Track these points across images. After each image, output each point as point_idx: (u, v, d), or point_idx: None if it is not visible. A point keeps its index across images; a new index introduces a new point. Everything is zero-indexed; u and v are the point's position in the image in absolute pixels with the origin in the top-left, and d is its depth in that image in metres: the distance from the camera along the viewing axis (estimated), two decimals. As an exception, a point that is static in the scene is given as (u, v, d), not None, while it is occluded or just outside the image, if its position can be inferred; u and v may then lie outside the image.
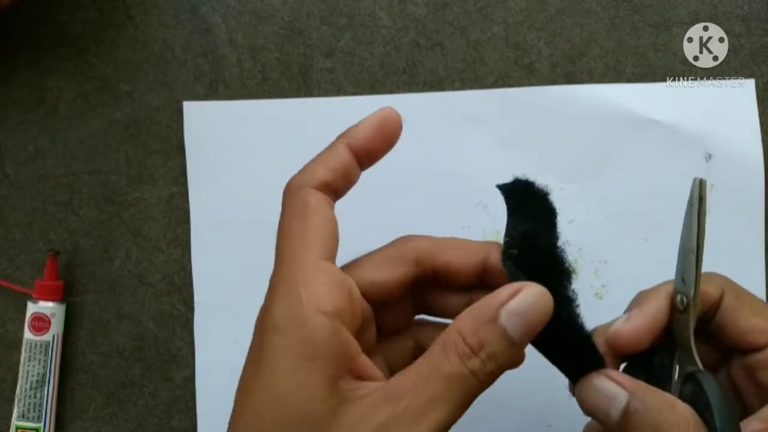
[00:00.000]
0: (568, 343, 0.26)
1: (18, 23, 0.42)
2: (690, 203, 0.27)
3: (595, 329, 0.28)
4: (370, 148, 0.27)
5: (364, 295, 0.27)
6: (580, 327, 0.26)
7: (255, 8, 0.41)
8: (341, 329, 0.24)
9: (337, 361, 0.24)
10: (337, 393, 0.24)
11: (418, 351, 0.30)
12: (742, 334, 0.28)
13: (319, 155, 0.27)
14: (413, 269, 0.28)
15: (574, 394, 0.27)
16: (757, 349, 0.28)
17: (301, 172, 0.27)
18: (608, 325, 0.28)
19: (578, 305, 0.26)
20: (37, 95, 0.41)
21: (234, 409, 0.25)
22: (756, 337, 0.27)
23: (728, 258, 0.39)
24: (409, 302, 0.30)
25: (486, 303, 0.24)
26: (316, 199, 0.26)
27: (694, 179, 0.26)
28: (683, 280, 0.27)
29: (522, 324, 0.24)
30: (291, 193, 0.26)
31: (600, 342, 0.27)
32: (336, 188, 0.27)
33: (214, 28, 0.41)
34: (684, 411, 0.24)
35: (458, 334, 0.24)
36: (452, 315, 0.28)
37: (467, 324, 0.24)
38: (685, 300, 0.27)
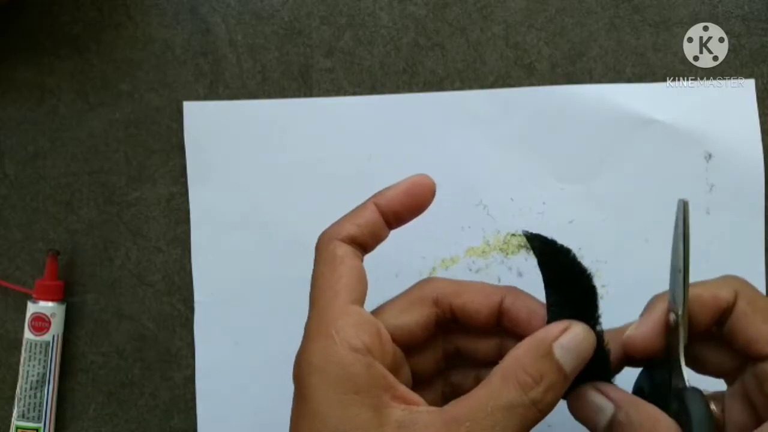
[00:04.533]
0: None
1: (18, 23, 0.42)
2: (676, 225, 0.27)
3: (608, 332, 0.28)
4: (396, 210, 0.29)
5: (393, 338, 0.29)
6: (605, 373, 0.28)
7: (255, 8, 0.41)
8: (374, 363, 0.26)
9: (378, 392, 0.25)
10: (388, 420, 0.25)
11: (451, 396, 0.31)
12: (751, 342, 0.27)
13: (350, 212, 0.29)
14: (433, 310, 0.29)
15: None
16: (765, 358, 0.26)
17: (332, 226, 0.29)
18: (620, 330, 0.28)
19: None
20: (37, 95, 0.41)
21: None
22: (763, 346, 0.26)
23: (728, 258, 0.39)
24: (439, 348, 0.31)
25: (540, 338, 0.26)
26: (343, 250, 0.28)
27: (679, 201, 0.27)
28: (674, 297, 0.27)
29: (574, 358, 0.26)
30: (321, 245, 0.28)
31: (614, 346, 0.28)
32: (362, 242, 0.28)
33: (214, 28, 0.41)
34: (668, 426, 0.25)
35: (518, 365, 0.25)
36: (482, 359, 0.30)
37: (526, 356, 0.25)
38: (675, 317, 0.27)
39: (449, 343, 0.31)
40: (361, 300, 0.27)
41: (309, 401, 0.25)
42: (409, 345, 0.29)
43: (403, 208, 0.29)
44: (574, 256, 0.27)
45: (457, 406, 0.25)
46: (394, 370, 0.27)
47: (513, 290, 0.29)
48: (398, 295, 0.30)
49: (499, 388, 0.25)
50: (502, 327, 0.29)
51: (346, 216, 0.29)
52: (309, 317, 0.27)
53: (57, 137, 0.41)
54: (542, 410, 0.25)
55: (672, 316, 0.27)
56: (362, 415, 0.25)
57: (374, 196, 0.29)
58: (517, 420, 0.25)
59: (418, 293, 0.30)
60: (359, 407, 0.25)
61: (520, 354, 0.26)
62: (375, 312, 0.29)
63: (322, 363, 0.25)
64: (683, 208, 0.26)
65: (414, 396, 0.26)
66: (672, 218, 0.39)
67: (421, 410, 0.25)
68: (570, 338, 0.26)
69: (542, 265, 0.28)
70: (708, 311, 0.27)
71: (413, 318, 0.29)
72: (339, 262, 0.27)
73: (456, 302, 0.29)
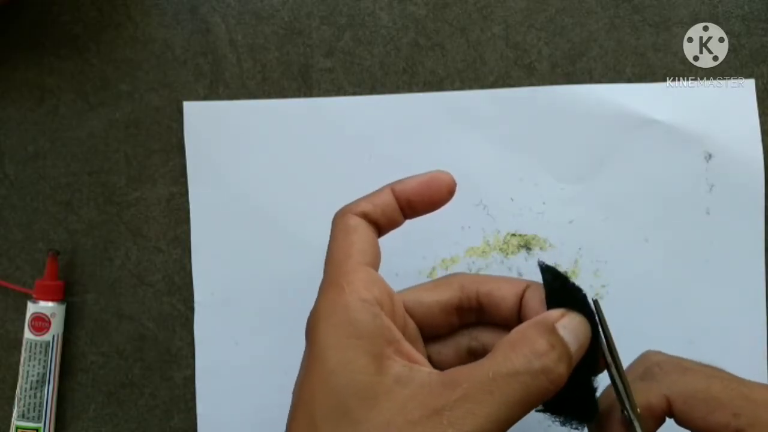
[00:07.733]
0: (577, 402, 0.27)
1: (18, 23, 0.42)
2: (596, 325, 0.27)
3: None
4: (410, 198, 0.29)
5: (412, 314, 0.29)
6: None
7: (255, 8, 0.41)
8: (381, 314, 0.26)
9: (381, 341, 0.25)
10: (386, 371, 0.25)
11: None
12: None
13: (368, 194, 0.30)
14: (457, 294, 0.30)
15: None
16: None
17: (348, 203, 0.30)
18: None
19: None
20: (37, 95, 0.41)
21: (293, 394, 0.27)
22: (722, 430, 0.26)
23: (728, 258, 0.39)
24: (464, 343, 0.31)
25: (542, 318, 0.26)
26: (356, 221, 0.29)
27: (594, 300, 0.27)
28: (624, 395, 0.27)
29: (575, 340, 0.26)
30: (336, 219, 0.29)
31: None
32: (375, 220, 0.29)
33: (214, 28, 0.41)
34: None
35: (526, 338, 0.25)
36: None
37: (532, 330, 0.26)
38: (627, 414, 0.27)
39: (475, 340, 0.31)
40: (373, 264, 0.28)
41: (314, 345, 0.26)
42: (427, 323, 0.30)
43: (417, 198, 0.29)
44: (584, 295, 0.27)
45: (459, 370, 0.25)
46: (408, 340, 0.28)
47: (535, 283, 0.30)
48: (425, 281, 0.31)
49: (504, 356, 0.25)
50: (522, 320, 0.29)
51: (362, 197, 0.30)
52: (322, 279, 0.28)
53: (57, 137, 0.41)
54: (553, 381, 0.24)
55: (624, 414, 0.27)
56: (361, 360, 0.25)
57: (392, 182, 0.30)
58: (519, 388, 0.24)
59: (445, 279, 0.31)
60: (359, 352, 0.25)
61: (525, 328, 0.26)
62: (400, 292, 0.30)
63: (330, 310, 0.26)
64: (596, 307, 0.27)
65: (418, 356, 0.26)
66: (672, 219, 0.40)
67: (422, 369, 0.25)
68: (569, 320, 0.26)
69: (548, 298, 0.28)
70: (652, 424, 0.27)
71: (434, 297, 0.30)
72: (352, 230, 0.28)
73: (482, 289, 0.30)
